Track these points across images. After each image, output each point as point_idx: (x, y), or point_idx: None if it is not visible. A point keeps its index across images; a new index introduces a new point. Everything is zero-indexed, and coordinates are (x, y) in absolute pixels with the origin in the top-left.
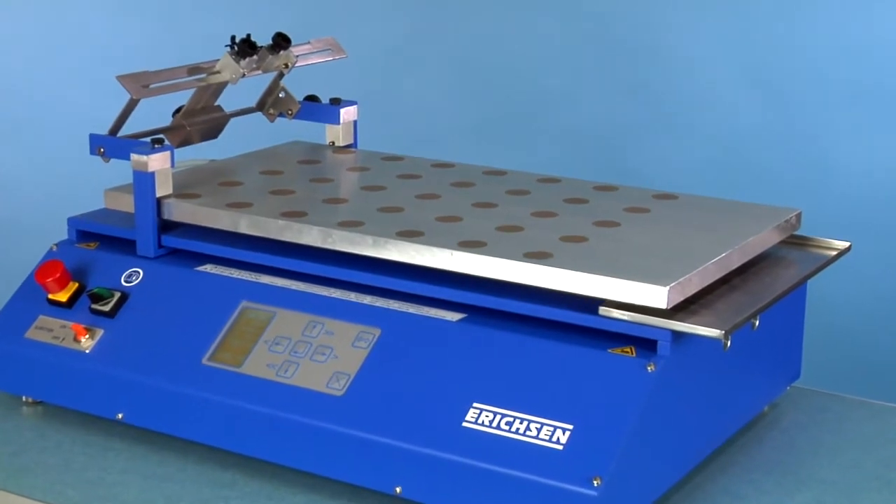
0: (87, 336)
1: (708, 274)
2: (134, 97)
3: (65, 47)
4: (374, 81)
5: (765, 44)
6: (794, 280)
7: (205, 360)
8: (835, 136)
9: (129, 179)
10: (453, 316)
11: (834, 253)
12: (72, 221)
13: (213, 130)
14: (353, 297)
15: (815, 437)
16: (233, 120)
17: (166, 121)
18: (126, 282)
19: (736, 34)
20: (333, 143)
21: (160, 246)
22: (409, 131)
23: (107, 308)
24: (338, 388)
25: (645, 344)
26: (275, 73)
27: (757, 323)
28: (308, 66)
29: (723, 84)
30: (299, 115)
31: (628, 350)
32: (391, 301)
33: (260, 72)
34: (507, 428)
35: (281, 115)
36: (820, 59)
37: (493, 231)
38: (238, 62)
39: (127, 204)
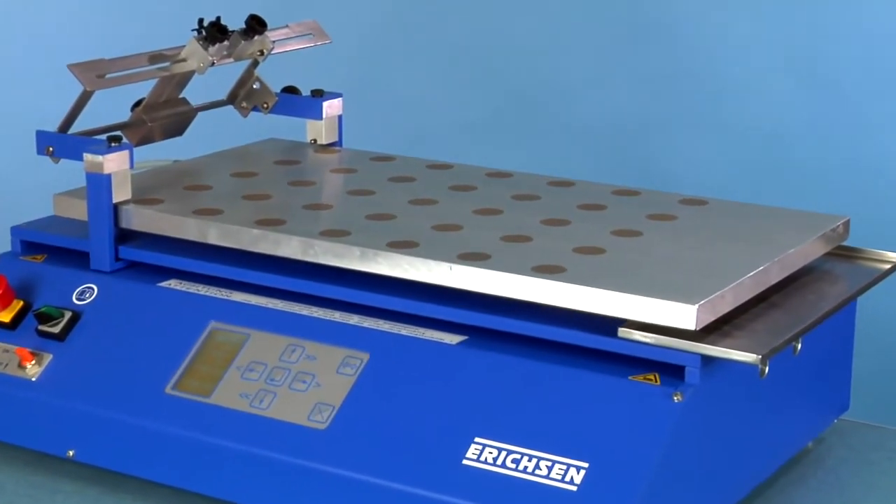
0: (33, 362)
1: (743, 290)
2: (87, 89)
3: (5, 31)
4: (361, 70)
5: (811, 27)
6: (842, 297)
7: (168, 389)
8: (890, 133)
9: (82, 183)
10: (452, 338)
11: (887, 266)
12: (15, 231)
13: (177, 126)
14: (337, 316)
15: (866, 478)
16: (200, 115)
17: (124, 116)
18: (78, 300)
19: (778, 16)
20: (315, 140)
21: (117, 258)
22: (402, 127)
23: (56, 330)
24: (320, 421)
25: (671, 370)
26: (248, 62)
27: (799, 346)
28: (286, 54)
29: (762, 73)
30: (276, 109)
31: (651, 377)
32: (381, 321)
33: (231, 60)
34: (513, 466)
35: (255, 109)
36: (874, 45)
37: (497, 242)
38: (206, 49)
39: (79, 211)
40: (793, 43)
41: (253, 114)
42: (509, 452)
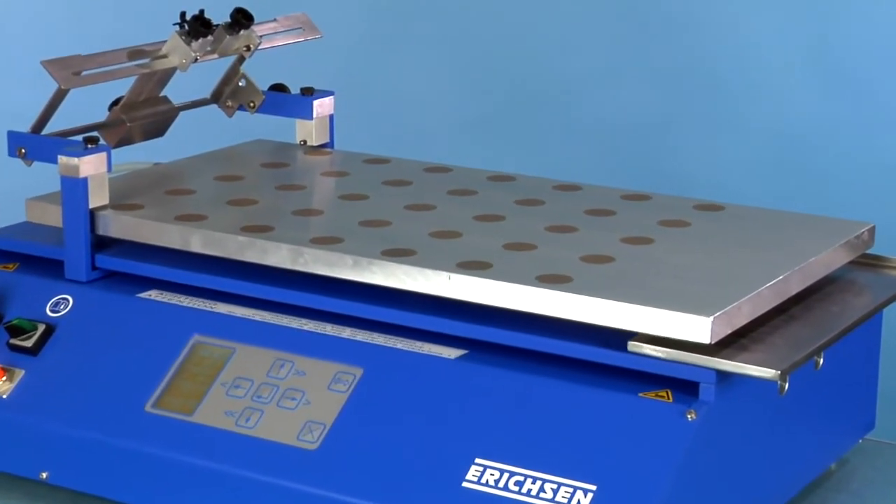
0: (4, 378)
1: (761, 302)
2: (62, 87)
3: None
4: (354, 67)
5: (835, 22)
6: (867, 309)
7: (148, 407)
8: None
9: (57, 187)
10: (451, 353)
11: None
12: None
13: (158, 127)
14: (329, 329)
15: (893, 502)
16: (183, 114)
17: (101, 116)
18: (52, 311)
19: (800, 9)
20: (305, 141)
21: (94, 268)
22: (398, 128)
23: (28, 343)
24: (311, 441)
25: (684, 387)
26: (234, 58)
27: (821, 361)
28: (274, 49)
29: (783, 70)
30: (263, 109)
31: (663, 394)
32: (375, 335)
33: (216, 56)
34: (516, 489)
35: (241, 108)
36: None
37: (499, 249)
38: (189, 44)
39: (53, 217)
40: (815, 37)
41: (239, 113)
42: (512, 474)
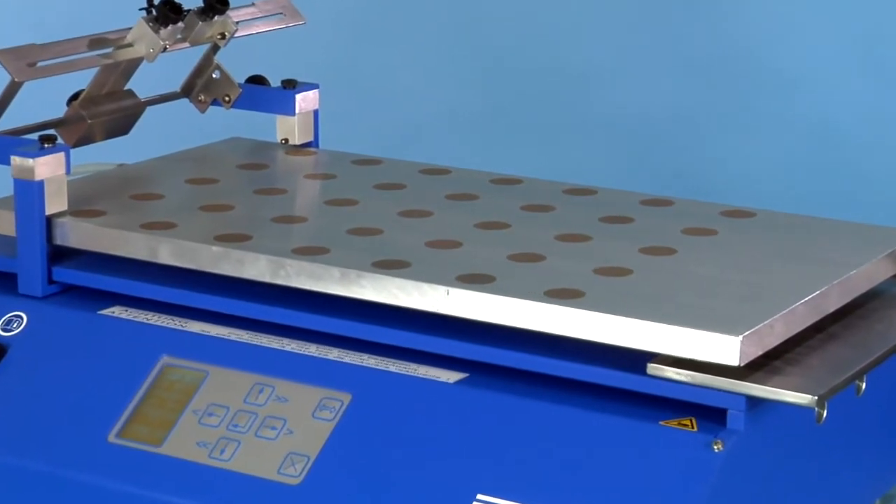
0: None
1: (796, 319)
2: (16, 79)
3: None
4: (341, 57)
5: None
6: None
7: (112, 437)
8: None
9: (9, 191)
10: (450, 376)
11: None
12: None
13: (122, 124)
14: (313, 350)
15: None
16: (150, 110)
17: (59, 111)
18: (4, 330)
19: None
20: (286, 140)
21: (51, 281)
22: (390, 125)
23: None
24: (293, 475)
25: (710, 414)
26: (207, 47)
27: (863, 386)
28: (253, 37)
29: (820, 62)
30: (240, 103)
31: (687, 422)
32: (365, 356)
33: (187, 44)
34: None
35: (215, 102)
36: None
37: (503, 261)
38: (157, 31)
39: (5, 224)
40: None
41: (212, 108)
42: None
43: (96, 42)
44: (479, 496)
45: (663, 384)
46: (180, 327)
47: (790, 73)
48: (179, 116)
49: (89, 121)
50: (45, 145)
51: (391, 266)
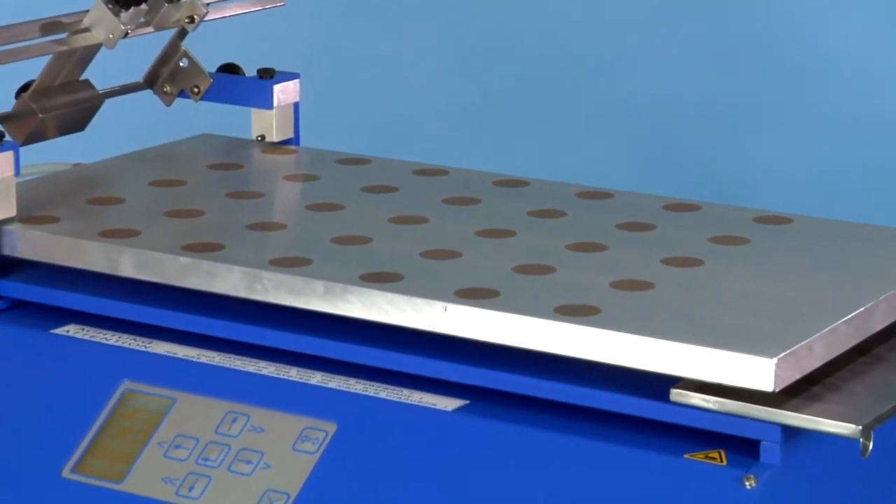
0: None
1: (837, 340)
2: None
3: None
4: (324, 43)
5: None
6: None
7: (67, 473)
8: None
9: None
10: (447, 403)
11: None
12: None
13: (78, 118)
14: (293, 374)
15: None
16: (109, 102)
17: (7, 105)
18: None
19: None
20: (263, 137)
21: None
22: (379, 119)
23: None
24: None
25: (741, 446)
26: (174, 32)
27: None
28: (225, 21)
29: (864, 48)
30: (210, 95)
31: (715, 455)
32: (352, 381)
33: (151, 29)
34: None
35: (183, 94)
36: None
37: (508, 273)
38: (117, 14)
39: None
40: None
41: (179, 101)
42: None
43: (49, 26)
44: None
45: (688, 412)
46: (143, 348)
47: (836, 61)
48: (142, 110)
49: (41, 115)
50: None
51: (381, 279)
